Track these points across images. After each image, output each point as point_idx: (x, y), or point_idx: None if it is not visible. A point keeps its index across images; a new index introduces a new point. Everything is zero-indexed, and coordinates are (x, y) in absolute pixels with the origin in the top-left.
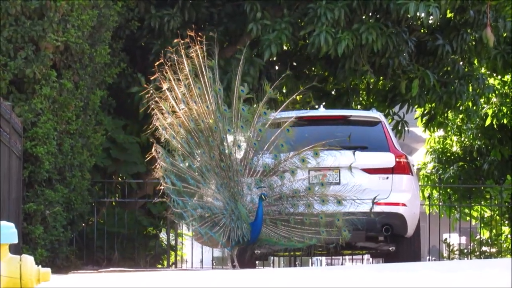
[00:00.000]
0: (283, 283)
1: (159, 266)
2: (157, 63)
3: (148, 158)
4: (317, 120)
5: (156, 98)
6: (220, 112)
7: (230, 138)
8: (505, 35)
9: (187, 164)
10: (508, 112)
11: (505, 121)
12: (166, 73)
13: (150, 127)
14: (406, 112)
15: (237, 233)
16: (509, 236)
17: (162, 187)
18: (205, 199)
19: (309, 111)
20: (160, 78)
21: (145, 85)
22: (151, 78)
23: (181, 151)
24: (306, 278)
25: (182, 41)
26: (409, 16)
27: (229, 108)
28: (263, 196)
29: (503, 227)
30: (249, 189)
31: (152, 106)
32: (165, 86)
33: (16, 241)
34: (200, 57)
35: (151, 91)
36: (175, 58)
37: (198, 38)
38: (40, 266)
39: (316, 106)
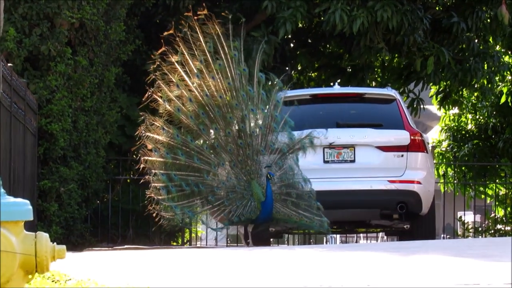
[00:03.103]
0: (299, 262)
1: (174, 243)
2: (166, 33)
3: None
4: (331, 98)
5: (165, 70)
6: (244, 91)
7: (252, 117)
8: None
9: (188, 138)
10: None
11: None
12: (178, 46)
13: (145, 98)
14: (421, 89)
15: (237, 212)
16: None
17: (143, 161)
18: (199, 175)
19: (324, 88)
20: (169, 52)
21: (151, 55)
22: (158, 53)
23: (186, 124)
24: (319, 257)
25: (196, 17)
26: None
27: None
28: (269, 175)
29: None
30: (269, 169)
31: (157, 77)
32: (175, 59)
33: (31, 218)
34: (221, 34)
35: (158, 63)
36: (189, 32)
37: (219, 18)
38: (55, 243)
39: (331, 84)
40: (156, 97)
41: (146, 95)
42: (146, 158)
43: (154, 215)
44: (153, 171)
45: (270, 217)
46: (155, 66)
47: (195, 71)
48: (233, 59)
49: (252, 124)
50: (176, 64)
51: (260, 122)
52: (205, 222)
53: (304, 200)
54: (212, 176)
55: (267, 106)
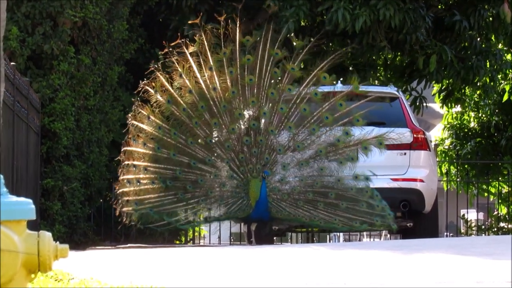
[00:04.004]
0: (299, 260)
1: (177, 242)
2: (195, 35)
3: None
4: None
5: (174, 59)
6: (278, 90)
7: (278, 116)
8: None
9: (172, 131)
10: None
11: None
12: (200, 36)
13: (139, 89)
14: (424, 87)
15: (223, 209)
16: None
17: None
18: (175, 169)
19: (326, 87)
20: (183, 43)
21: (164, 42)
22: (172, 44)
23: (177, 116)
24: (321, 255)
25: (235, 16)
26: None
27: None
28: (263, 174)
29: None
30: (284, 169)
31: (157, 68)
32: (189, 50)
33: (34, 217)
34: (270, 31)
35: (169, 51)
36: (200, 36)
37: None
38: (58, 242)
39: (334, 82)
40: (148, 88)
41: (140, 84)
42: (125, 148)
43: (117, 212)
44: (125, 162)
45: (266, 215)
46: (163, 52)
47: (211, 63)
48: (272, 56)
49: (275, 123)
50: (188, 54)
51: (292, 121)
52: (171, 220)
53: (330, 198)
54: (192, 172)
55: (319, 106)
